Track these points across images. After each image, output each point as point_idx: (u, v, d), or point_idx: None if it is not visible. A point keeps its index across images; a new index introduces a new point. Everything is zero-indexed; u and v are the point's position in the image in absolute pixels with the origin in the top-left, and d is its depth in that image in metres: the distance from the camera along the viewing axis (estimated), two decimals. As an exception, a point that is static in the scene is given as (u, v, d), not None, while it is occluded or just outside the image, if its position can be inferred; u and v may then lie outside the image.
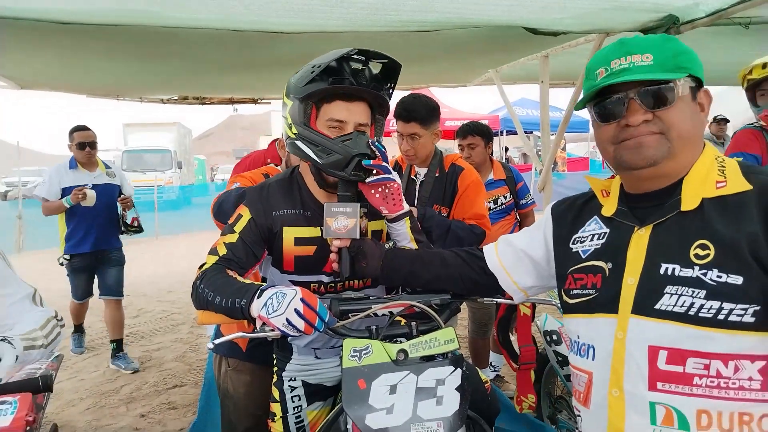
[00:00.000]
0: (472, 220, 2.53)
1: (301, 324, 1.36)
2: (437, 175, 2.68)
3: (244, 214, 1.70)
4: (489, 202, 3.69)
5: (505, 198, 3.74)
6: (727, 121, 7.77)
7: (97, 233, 4.50)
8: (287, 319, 1.35)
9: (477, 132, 3.65)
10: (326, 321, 1.41)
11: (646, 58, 1.15)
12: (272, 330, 1.40)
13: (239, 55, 3.78)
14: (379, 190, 1.64)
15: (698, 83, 1.20)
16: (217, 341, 1.46)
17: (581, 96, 1.29)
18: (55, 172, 4.52)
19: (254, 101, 6.32)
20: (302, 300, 1.37)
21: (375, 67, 1.62)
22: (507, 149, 20.23)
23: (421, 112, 2.56)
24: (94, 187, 4.50)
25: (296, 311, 1.35)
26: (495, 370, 4.03)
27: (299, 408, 1.85)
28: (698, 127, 1.20)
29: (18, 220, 11.46)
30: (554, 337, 2.64)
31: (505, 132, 14.86)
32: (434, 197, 2.64)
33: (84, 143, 4.49)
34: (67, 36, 3.00)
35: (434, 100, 2.75)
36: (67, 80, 4.85)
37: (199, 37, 3.13)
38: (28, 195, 4.58)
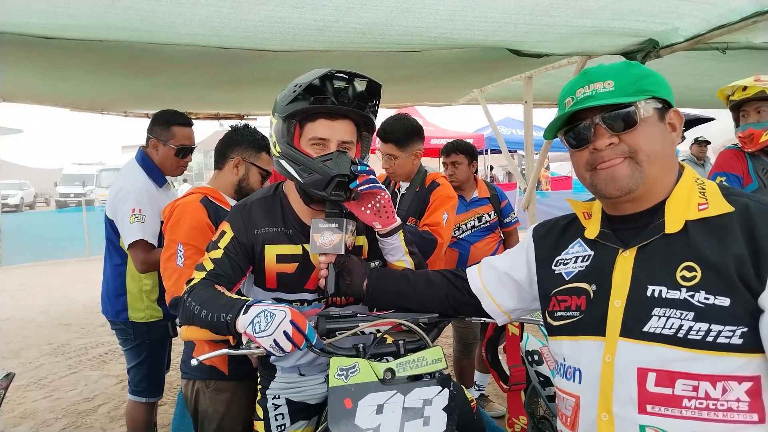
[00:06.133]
0: (426, 225, 2.67)
1: (288, 346, 1.35)
2: (417, 190, 2.83)
3: (227, 230, 1.70)
4: (473, 220, 3.72)
5: (490, 216, 3.76)
6: (708, 143, 7.95)
7: None
8: (275, 341, 1.34)
9: (461, 150, 3.71)
10: (313, 344, 1.40)
11: (607, 84, 1.20)
12: (257, 347, 1.39)
13: (225, 72, 3.78)
14: (369, 205, 1.62)
15: (666, 104, 1.23)
16: (201, 357, 1.43)
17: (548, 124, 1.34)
18: (151, 196, 2.76)
19: (240, 117, 6.32)
20: (292, 323, 1.35)
21: (360, 84, 1.62)
22: (492, 168, 20.41)
23: (398, 134, 2.69)
24: None
25: (285, 333, 1.34)
26: (480, 390, 4.02)
27: (283, 427, 1.83)
28: (668, 147, 1.23)
29: (-4, 234, 11.26)
30: (535, 357, 2.64)
31: (489, 151, 14.98)
32: (411, 210, 2.79)
33: (188, 149, 2.92)
34: (50, 50, 2.97)
35: (416, 123, 2.87)
36: (51, 94, 4.80)
37: (185, 52, 3.13)
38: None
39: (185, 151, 2.90)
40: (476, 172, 3.89)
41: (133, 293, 2.82)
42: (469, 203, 3.73)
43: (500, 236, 3.89)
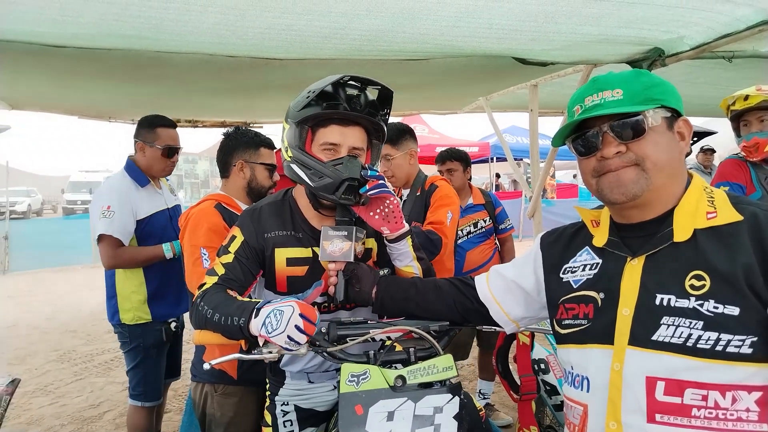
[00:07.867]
0: (430, 224, 2.68)
1: (302, 338, 1.36)
2: (418, 194, 2.86)
3: (237, 235, 1.72)
4: (469, 226, 3.77)
5: (485, 222, 3.81)
6: (714, 151, 7.92)
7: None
8: (289, 336, 1.35)
9: (455, 158, 3.80)
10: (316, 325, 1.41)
11: (616, 93, 1.20)
12: (270, 352, 1.40)
13: (232, 79, 3.81)
14: (378, 210, 1.63)
15: (675, 113, 1.23)
16: (214, 362, 1.43)
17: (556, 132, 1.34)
18: (122, 195, 2.84)
19: (247, 125, 6.34)
20: (302, 316, 1.37)
21: (372, 93, 1.64)
22: (498, 176, 20.38)
23: (390, 133, 2.73)
24: (170, 213, 3.08)
25: (297, 327, 1.35)
26: (484, 398, 4.00)
27: (291, 433, 1.82)
28: (676, 156, 1.22)
29: (4, 240, 11.30)
30: (542, 366, 2.63)
31: (495, 159, 14.97)
32: (414, 215, 2.80)
33: (174, 149, 3.02)
34: (59, 58, 3.01)
35: (405, 124, 2.96)
36: (59, 101, 4.84)
37: (192, 60, 3.16)
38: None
39: (172, 150, 3.00)
40: (470, 179, 3.96)
41: (123, 295, 2.88)
42: (465, 209, 3.78)
43: (495, 244, 3.93)
